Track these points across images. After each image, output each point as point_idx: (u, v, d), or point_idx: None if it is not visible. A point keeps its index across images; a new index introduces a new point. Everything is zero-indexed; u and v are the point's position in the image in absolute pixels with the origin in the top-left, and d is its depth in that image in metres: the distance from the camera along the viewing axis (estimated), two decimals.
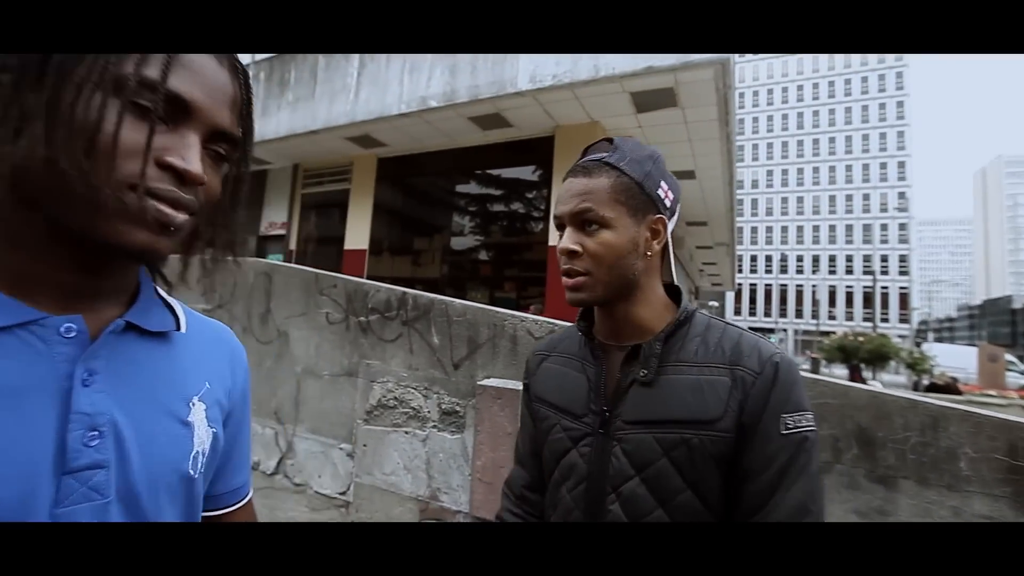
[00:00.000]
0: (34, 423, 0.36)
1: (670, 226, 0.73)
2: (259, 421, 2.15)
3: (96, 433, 0.38)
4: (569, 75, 5.19)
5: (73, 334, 0.39)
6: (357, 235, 7.80)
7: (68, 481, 0.36)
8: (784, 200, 55.86)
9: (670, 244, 0.75)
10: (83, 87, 0.36)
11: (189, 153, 0.39)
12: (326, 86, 7.07)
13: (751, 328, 0.74)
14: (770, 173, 56.97)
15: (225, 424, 0.53)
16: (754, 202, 57.49)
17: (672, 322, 0.71)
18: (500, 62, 5.61)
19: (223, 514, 0.56)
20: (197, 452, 0.47)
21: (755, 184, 57.62)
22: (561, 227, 0.72)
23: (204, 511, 0.52)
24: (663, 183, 0.72)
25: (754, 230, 57.11)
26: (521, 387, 1.53)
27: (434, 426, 1.66)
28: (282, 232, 8.84)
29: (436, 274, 7.13)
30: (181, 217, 0.40)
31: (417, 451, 1.69)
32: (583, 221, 0.69)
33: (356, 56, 6.81)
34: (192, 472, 0.46)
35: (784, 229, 55.50)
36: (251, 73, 7.95)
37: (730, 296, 41.85)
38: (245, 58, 9.31)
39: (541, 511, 0.80)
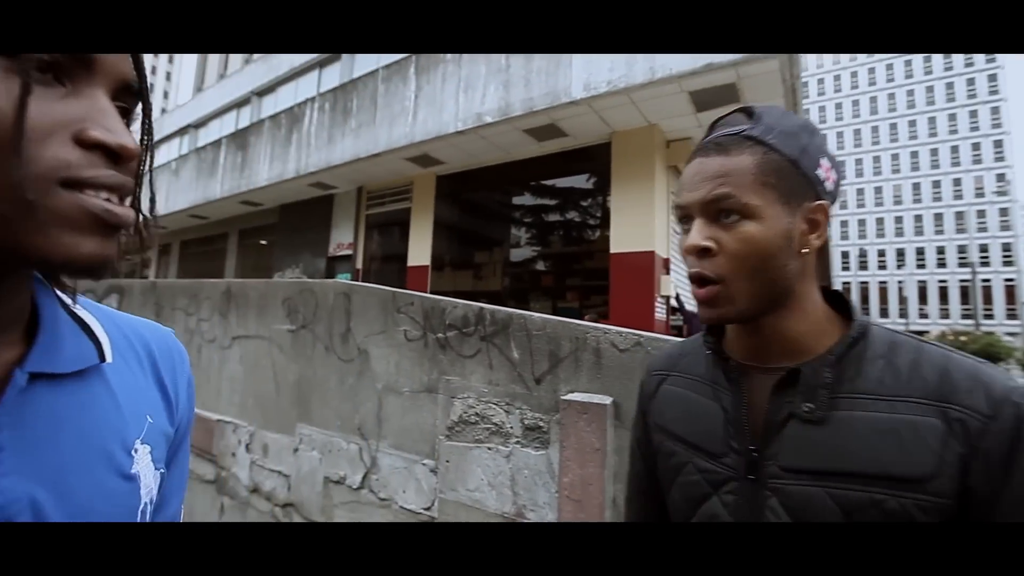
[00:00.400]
0: None
1: (831, 215, 0.57)
2: (343, 436, 2.22)
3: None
4: (624, 80, 5.11)
5: None
6: (419, 252, 8.04)
7: None
8: (859, 191, 51.94)
9: (829, 239, 0.61)
10: None
11: (111, 121, 0.30)
12: (386, 111, 7.38)
13: None
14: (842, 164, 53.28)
15: (170, 454, 0.44)
16: None
17: (842, 340, 0.54)
18: (553, 72, 5.62)
19: None
20: (144, 504, 0.38)
21: None
22: (686, 219, 0.58)
23: None
24: (823, 160, 0.56)
25: None
26: (608, 401, 1.49)
27: (517, 442, 1.64)
28: (349, 252, 9.27)
29: (498, 287, 7.19)
30: (129, 211, 0.31)
31: (501, 467, 1.67)
32: (719, 211, 0.55)
33: (413, 80, 7.07)
34: None
35: (861, 222, 51.54)
36: (317, 104, 8.44)
37: None
38: (311, 91, 9.92)
39: None
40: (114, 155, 0.30)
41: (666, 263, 6.25)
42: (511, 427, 1.63)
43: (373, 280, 8.49)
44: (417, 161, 7.53)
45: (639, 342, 1.46)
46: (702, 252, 0.55)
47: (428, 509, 1.88)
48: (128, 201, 0.32)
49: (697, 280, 0.56)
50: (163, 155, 15.82)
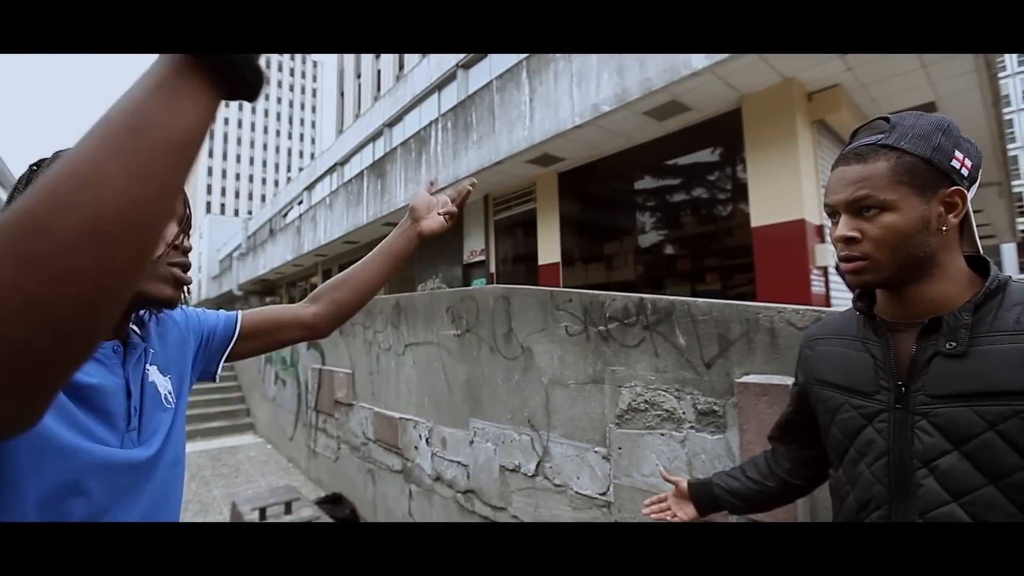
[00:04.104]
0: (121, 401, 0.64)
1: (970, 195, 0.68)
2: (515, 428, 2.41)
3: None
4: None
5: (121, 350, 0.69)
6: (549, 250, 8.23)
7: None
8: None
9: (971, 214, 0.70)
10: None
11: (183, 236, 0.69)
12: (503, 119, 7.69)
13: None
14: None
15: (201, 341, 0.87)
16: None
17: (980, 292, 0.66)
18: None
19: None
20: (166, 393, 0.75)
21: None
22: (834, 215, 0.72)
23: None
24: (956, 152, 0.67)
25: None
26: (790, 382, 1.43)
27: (691, 427, 1.65)
28: (482, 258, 9.82)
29: (631, 276, 7.08)
30: (190, 276, 0.70)
31: (676, 452, 1.69)
32: (860, 207, 0.68)
33: (526, 84, 7.28)
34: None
35: None
36: (440, 124, 9.06)
37: (1009, 249, 31.96)
38: (433, 113, 10.71)
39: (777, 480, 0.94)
40: (186, 251, 0.68)
41: (819, 230, 5.61)
42: (683, 412, 1.65)
43: (507, 282, 8.89)
44: (538, 162, 7.72)
45: (820, 318, 1.37)
46: (848, 240, 0.69)
47: (603, 494, 1.97)
48: (188, 271, 0.69)
49: (845, 259, 0.70)
50: (318, 193, 18.25)
